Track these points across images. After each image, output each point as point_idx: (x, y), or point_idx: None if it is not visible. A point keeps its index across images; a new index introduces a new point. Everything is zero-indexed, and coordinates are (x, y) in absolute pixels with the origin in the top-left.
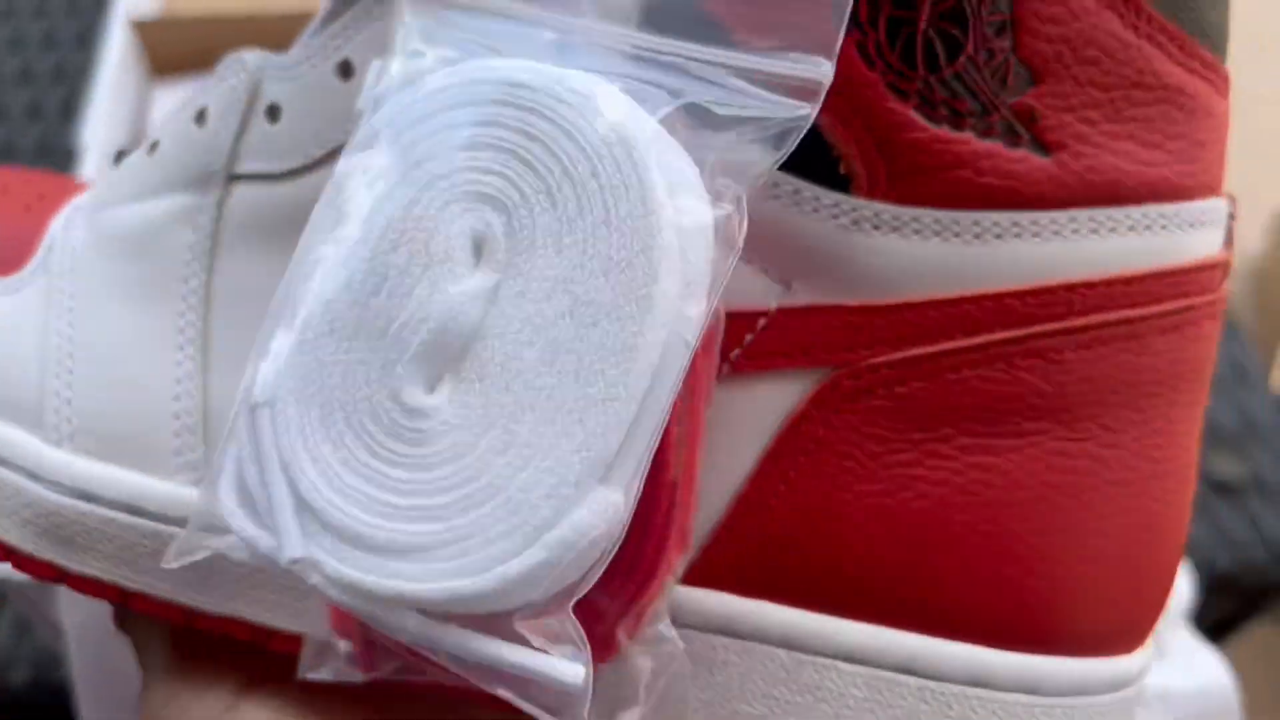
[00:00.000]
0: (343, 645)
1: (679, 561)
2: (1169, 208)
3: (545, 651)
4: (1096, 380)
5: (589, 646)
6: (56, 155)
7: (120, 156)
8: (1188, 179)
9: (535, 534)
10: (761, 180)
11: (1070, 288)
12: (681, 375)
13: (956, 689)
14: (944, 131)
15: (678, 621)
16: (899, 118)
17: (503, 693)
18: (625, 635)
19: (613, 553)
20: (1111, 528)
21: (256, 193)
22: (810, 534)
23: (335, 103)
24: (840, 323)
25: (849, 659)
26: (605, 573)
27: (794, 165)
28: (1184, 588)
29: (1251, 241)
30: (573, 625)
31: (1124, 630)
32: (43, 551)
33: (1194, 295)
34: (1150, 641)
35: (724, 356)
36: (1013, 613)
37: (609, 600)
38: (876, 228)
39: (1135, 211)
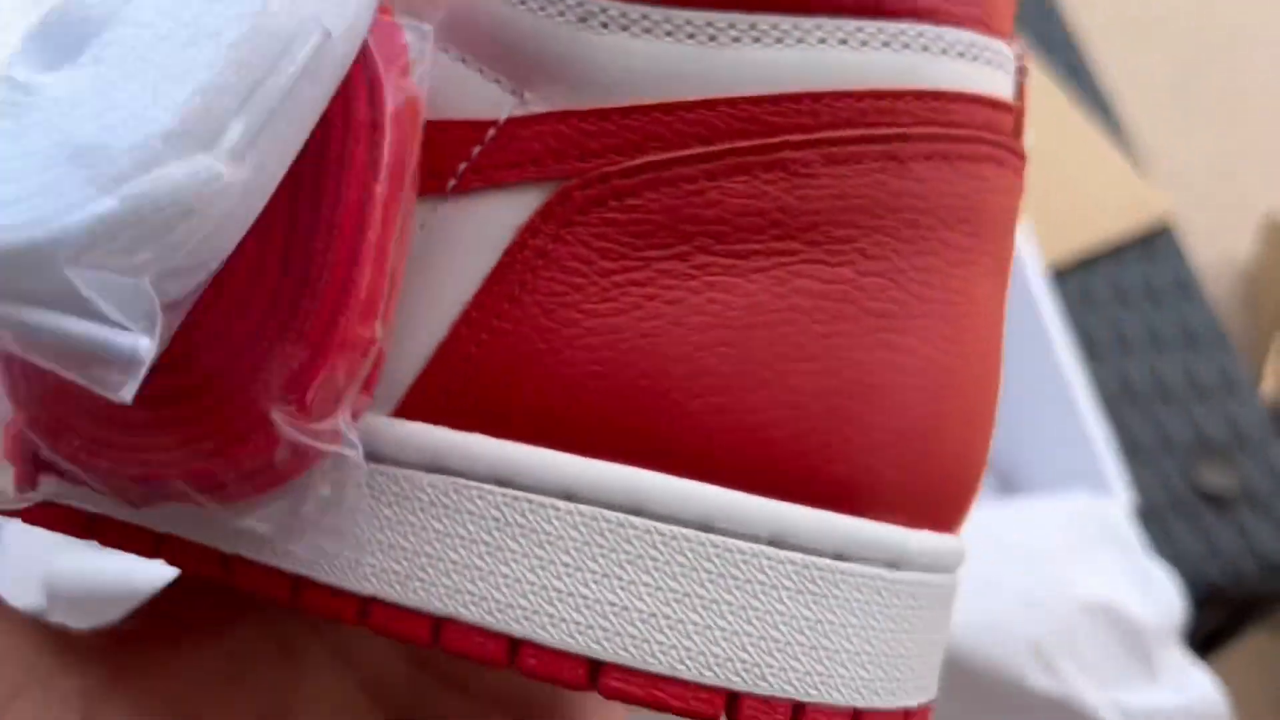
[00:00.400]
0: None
1: (370, 350)
2: (929, 28)
3: (109, 323)
4: (850, 199)
5: (157, 320)
6: None
7: None
8: (955, 6)
9: (113, 184)
10: None
11: (816, 97)
12: (329, 72)
13: (689, 533)
14: None
15: (379, 456)
16: None
17: (68, 373)
18: (286, 420)
19: (214, 234)
20: (873, 361)
21: None
22: (534, 358)
23: None
24: (570, 129)
25: (568, 496)
26: (253, 325)
27: None
28: (1175, 604)
29: (1242, 245)
30: (148, 296)
31: (903, 494)
32: None
33: (965, 127)
34: (960, 539)
35: (449, 172)
36: (754, 447)
37: (262, 366)
38: (605, 25)
39: (890, 26)
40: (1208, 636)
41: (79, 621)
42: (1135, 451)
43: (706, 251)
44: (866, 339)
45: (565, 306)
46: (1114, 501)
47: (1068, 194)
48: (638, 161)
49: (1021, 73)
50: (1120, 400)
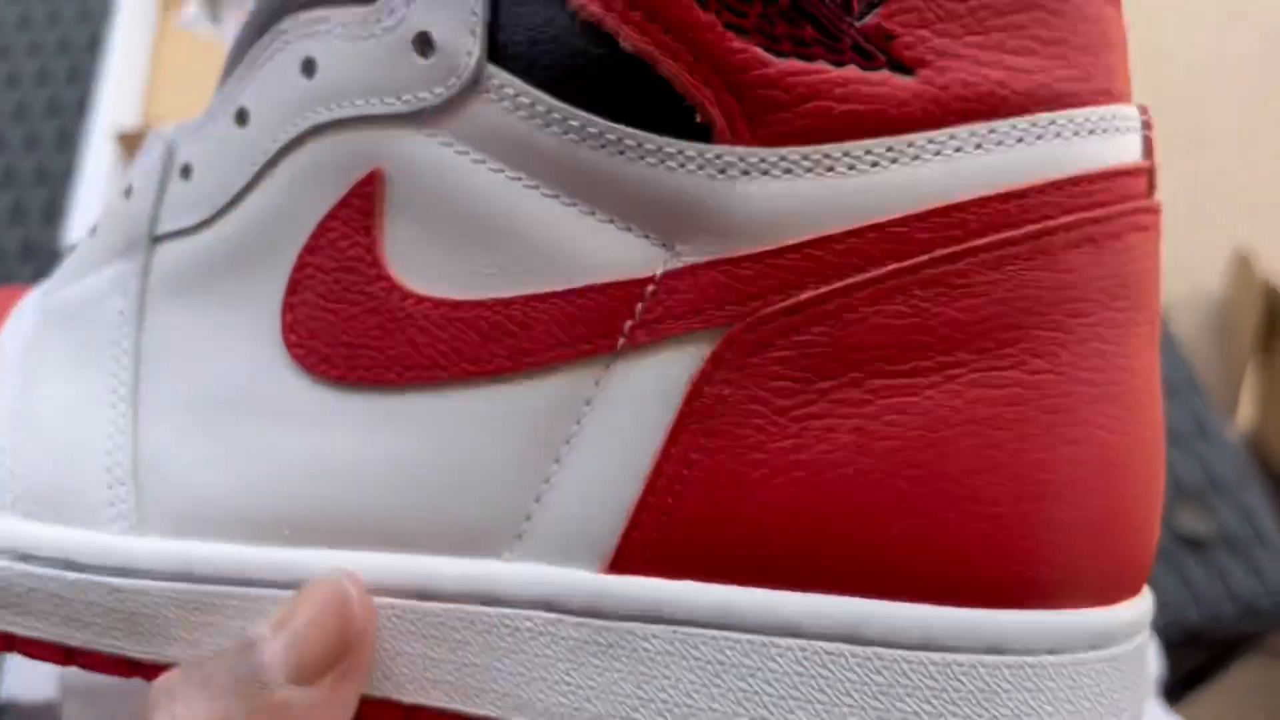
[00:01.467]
0: None
1: None
2: (1057, 115)
3: None
4: (1010, 302)
5: None
6: (41, 257)
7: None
8: (1074, 84)
9: None
10: None
11: (961, 207)
12: None
13: (909, 654)
14: (793, 63)
15: (599, 612)
16: (743, 56)
17: None
18: None
19: None
20: (1056, 459)
21: (177, 249)
22: (730, 504)
23: (235, 149)
24: (727, 277)
25: (788, 633)
26: None
27: (650, 121)
28: (1155, 661)
29: (1214, 279)
30: None
31: (1096, 577)
32: None
33: (1107, 204)
34: (1145, 593)
35: (617, 331)
36: (958, 564)
37: None
38: (746, 173)
39: (1020, 122)
40: (1190, 673)
41: (91, 714)
42: None
43: (878, 375)
44: (1045, 438)
45: (751, 449)
46: None
47: None
48: (797, 299)
49: (1148, 127)
50: None
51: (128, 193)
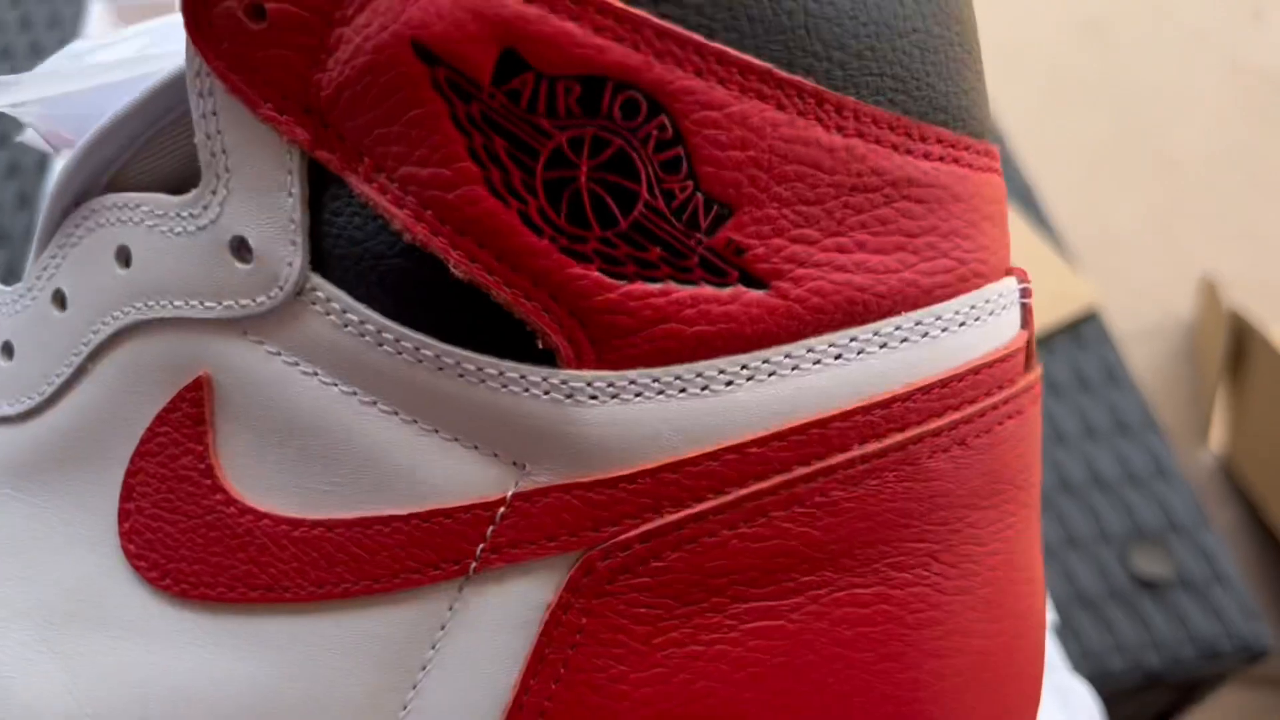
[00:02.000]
0: None
1: None
2: (923, 313)
3: None
4: (874, 516)
5: None
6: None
7: None
8: (943, 275)
9: None
10: None
11: (822, 423)
12: None
13: None
14: (638, 286)
15: None
16: (583, 282)
17: None
18: None
19: None
20: (924, 676)
21: (5, 435)
22: (571, 699)
23: (56, 334)
24: (580, 501)
25: None
26: None
27: (490, 345)
28: (1094, 714)
29: (1183, 305)
30: None
31: None
32: None
33: (978, 400)
34: None
35: (468, 555)
36: None
37: None
38: (594, 398)
39: (884, 326)
40: (1158, 715)
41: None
42: (1073, 542)
43: (740, 599)
44: (914, 654)
45: (613, 681)
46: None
47: None
48: (654, 524)
49: (1026, 294)
50: (1057, 492)
51: None
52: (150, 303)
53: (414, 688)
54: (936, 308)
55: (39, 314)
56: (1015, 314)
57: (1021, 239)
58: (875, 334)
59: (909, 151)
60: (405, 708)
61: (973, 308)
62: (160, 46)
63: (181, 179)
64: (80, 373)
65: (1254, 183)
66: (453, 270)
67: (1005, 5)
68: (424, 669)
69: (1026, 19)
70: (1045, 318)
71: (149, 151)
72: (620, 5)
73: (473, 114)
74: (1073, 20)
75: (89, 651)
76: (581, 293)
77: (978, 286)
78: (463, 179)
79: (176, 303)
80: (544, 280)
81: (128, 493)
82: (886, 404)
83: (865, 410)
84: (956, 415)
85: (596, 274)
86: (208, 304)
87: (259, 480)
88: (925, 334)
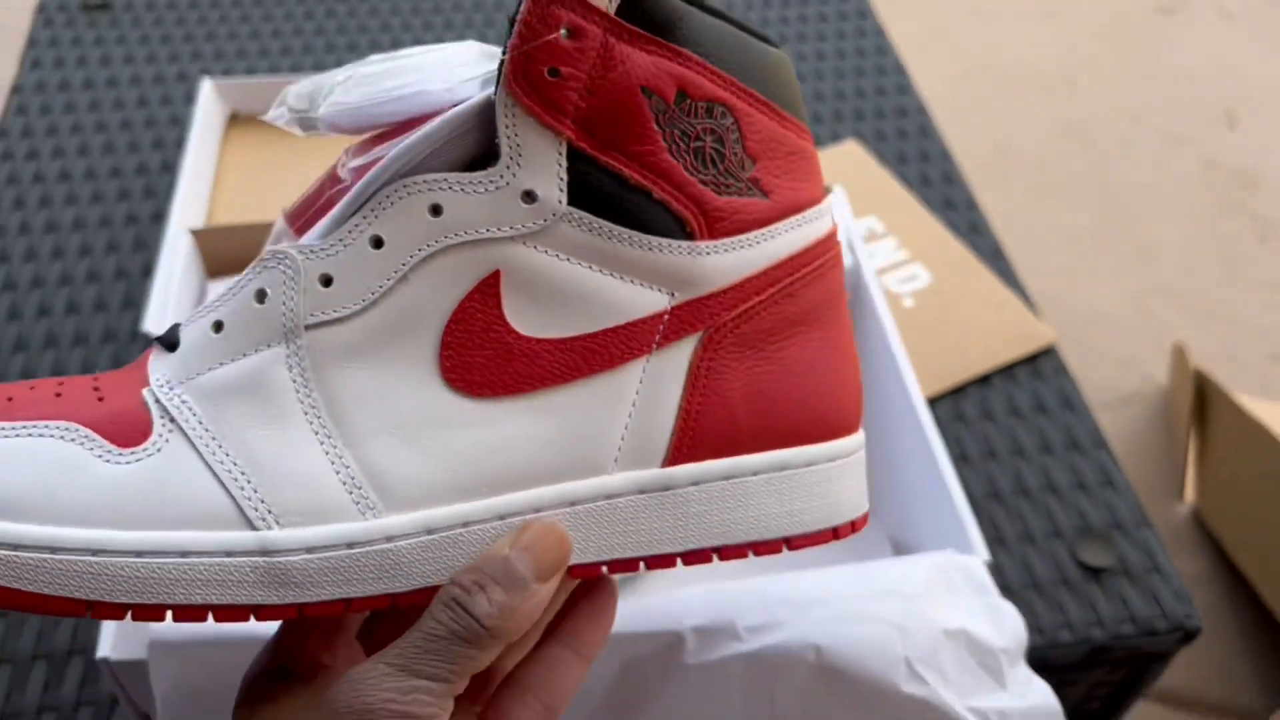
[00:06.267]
0: None
1: None
2: (811, 211)
3: None
4: (814, 300)
5: None
6: (120, 340)
7: (175, 329)
8: (815, 193)
9: None
10: None
11: (793, 259)
12: None
13: (795, 472)
14: (725, 199)
15: (668, 486)
16: (705, 196)
17: None
18: None
19: None
20: (838, 365)
21: (331, 333)
22: (720, 416)
23: (374, 265)
24: (704, 309)
25: (748, 473)
26: None
27: (661, 233)
28: (1021, 632)
29: (1160, 373)
30: None
31: (849, 421)
32: (274, 599)
33: (825, 254)
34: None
35: (651, 341)
36: (810, 419)
37: None
38: (707, 254)
39: (803, 215)
40: (1111, 696)
41: (175, 665)
42: (1030, 538)
43: (772, 342)
44: (835, 358)
45: (725, 385)
46: (974, 558)
47: (970, 327)
48: (738, 311)
49: (830, 206)
50: (1018, 496)
51: (260, 297)
52: (458, 234)
53: (628, 416)
54: (814, 209)
55: (356, 253)
56: (830, 215)
57: (993, 291)
58: (801, 219)
59: (801, 136)
60: (626, 427)
61: (819, 211)
62: (410, 76)
63: (464, 163)
64: (402, 282)
65: (1225, 269)
66: (653, 196)
67: (996, 110)
68: (632, 405)
69: (1016, 122)
70: (1011, 353)
71: (442, 150)
72: (719, 71)
73: (663, 120)
74: (1057, 124)
75: (435, 442)
76: (704, 201)
77: (820, 201)
78: (658, 150)
79: (479, 231)
80: (691, 196)
81: (446, 342)
82: (809, 250)
83: (805, 252)
84: (823, 259)
85: (710, 192)
86: (503, 229)
87: (530, 321)
88: (812, 220)
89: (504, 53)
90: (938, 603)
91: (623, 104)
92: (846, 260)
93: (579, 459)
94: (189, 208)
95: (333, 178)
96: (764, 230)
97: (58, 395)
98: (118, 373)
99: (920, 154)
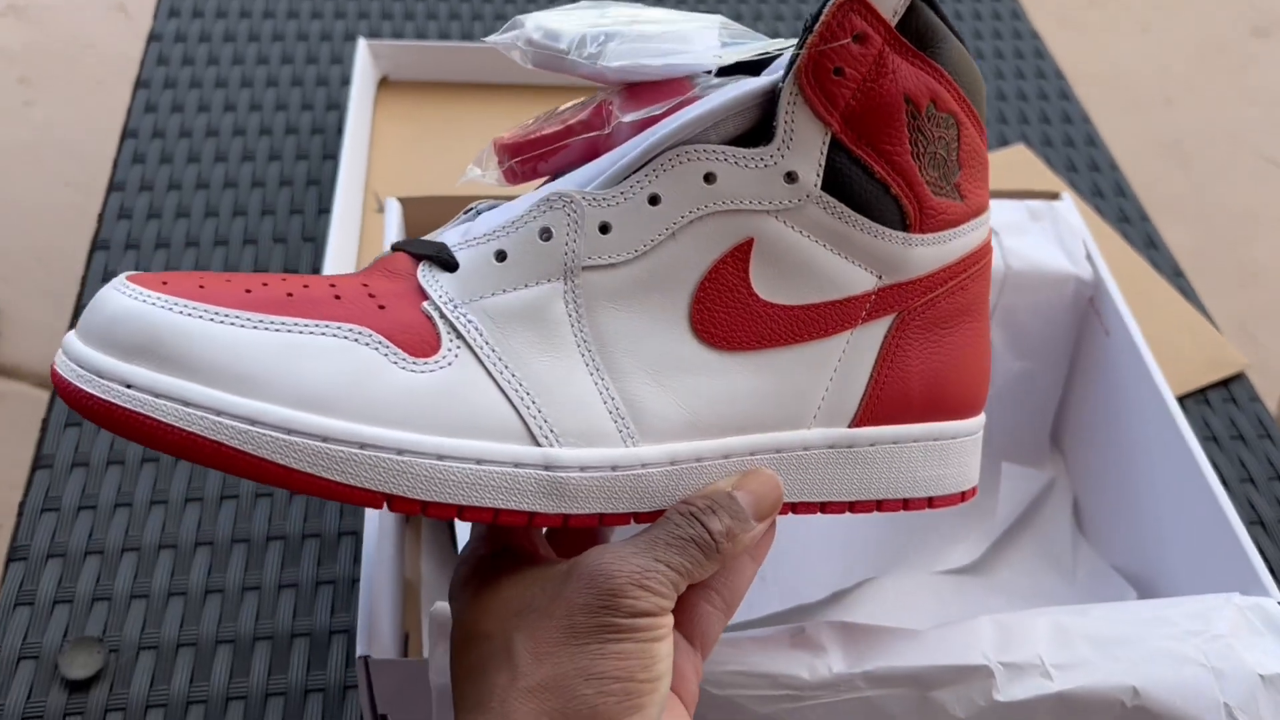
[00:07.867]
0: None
1: None
2: (985, 216)
3: None
4: (975, 295)
5: None
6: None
7: (445, 248)
8: (987, 199)
9: None
10: None
11: (971, 255)
12: None
13: (949, 441)
14: (940, 200)
15: (851, 444)
16: (926, 195)
17: None
18: None
19: None
20: (981, 352)
21: (603, 276)
22: (904, 384)
23: (649, 220)
24: (904, 292)
25: (920, 439)
26: None
27: (882, 221)
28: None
29: (1269, 401)
30: None
31: (980, 403)
32: (549, 508)
33: (985, 258)
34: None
35: (859, 315)
36: (969, 397)
37: None
38: (917, 245)
39: (980, 219)
40: None
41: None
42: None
43: (945, 327)
44: (983, 346)
45: (910, 360)
46: (1270, 599)
47: (1158, 349)
48: (925, 299)
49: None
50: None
51: (544, 235)
52: (725, 203)
53: (829, 380)
54: (986, 214)
55: (634, 207)
56: (989, 224)
57: (1183, 313)
58: (981, 221)
59: (985, 145)
60: (827, 389)
61: (988, 214)
62: (677, 43)
63: (732, 136)
64: (670, 238)
65: None
66: (890, 190)
67: (1097, 127)
68: (834, 371)
69: (1114, 140)
70: (1203, 378)
71: (719, 125)
72: (958, 87)
73: (912, 125)
74: (1157, 142)
75: (682, 385)
76: (925, 199)
77: (989, 206)
78: (904, 152)
79: (742, 202)
80: (917, 194)
81: (699, 298)
82: (979, 250)
83: (976, 253)
84: (984, 260)
85: (929, 192)
86: (762, 203)
87: (770, 287)
88: (984, 223)
89: (799, 48)
90: (1245, 644)
91: (886, 107)
92: (1086, 272)
93: (787, 413)
94: (351, 175)
95: (583, 123)
96: (955, 229)
97: (337, 298)
98: (381, 278)
99: (1089, 163)
